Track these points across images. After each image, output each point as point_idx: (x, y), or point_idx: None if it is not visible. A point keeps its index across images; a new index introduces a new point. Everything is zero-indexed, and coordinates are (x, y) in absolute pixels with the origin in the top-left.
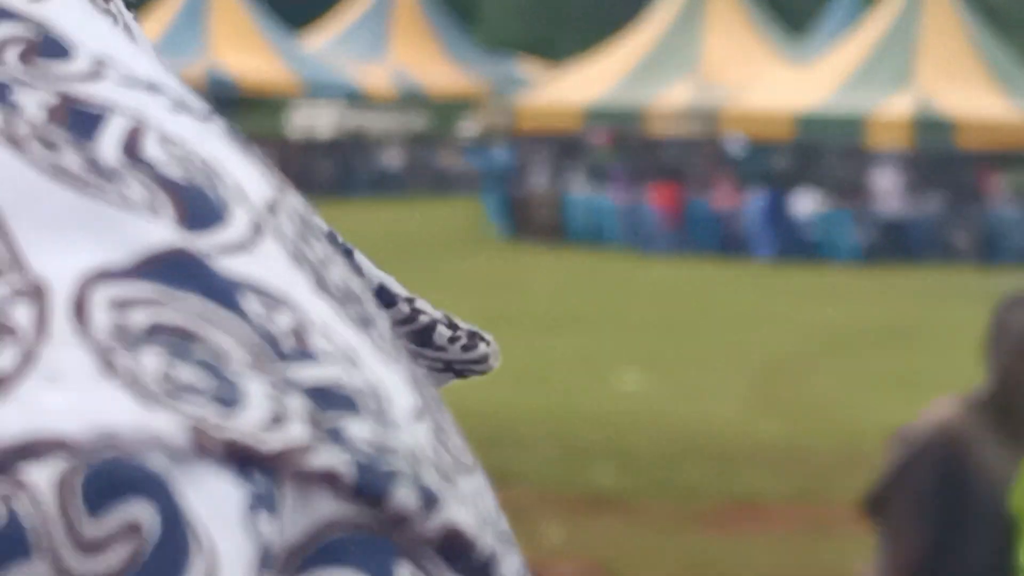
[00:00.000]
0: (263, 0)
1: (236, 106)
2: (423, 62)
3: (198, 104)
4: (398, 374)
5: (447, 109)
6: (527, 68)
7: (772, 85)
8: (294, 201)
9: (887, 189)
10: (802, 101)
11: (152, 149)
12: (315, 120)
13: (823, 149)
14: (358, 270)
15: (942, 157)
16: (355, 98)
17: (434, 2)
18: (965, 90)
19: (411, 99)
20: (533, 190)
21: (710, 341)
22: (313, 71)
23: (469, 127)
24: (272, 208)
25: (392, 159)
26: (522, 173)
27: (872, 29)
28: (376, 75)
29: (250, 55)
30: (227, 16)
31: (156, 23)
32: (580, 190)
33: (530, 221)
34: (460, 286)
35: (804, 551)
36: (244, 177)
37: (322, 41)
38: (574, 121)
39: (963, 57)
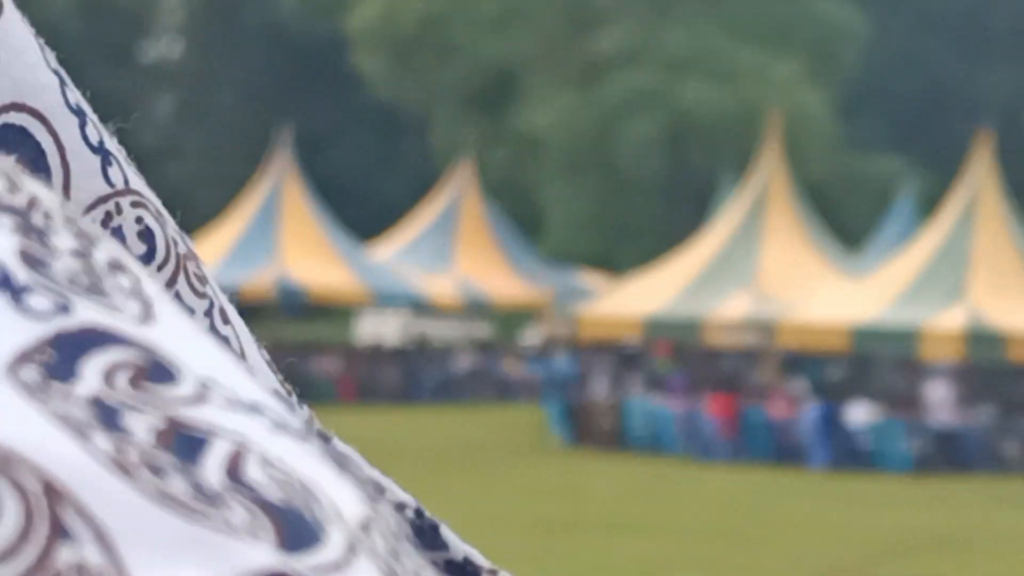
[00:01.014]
0: (332, 213)
1: (305, 314)
2: (487, 273)
3: (296, 423)
4: None
5: (511, 318)
6: (589, 279)
7: (828, 298)
8: (386, 514)
9: (939, 400)
10: (857, 314)
11: (253, 472)
12: (382, 327)
13: (877, 360)
14: (444, 545)
15: (993, 369)
16: (421, 306)
17: (498, 215)
18: (1016, 304)
19: (476, 308)
20: (594, 398)
21: (767, 548)
22: (380, 280)
23: (532, 336)
24: (366, 526)
25: (457, 366)
26: (583, 381)
27: (925, 245)
28: (442, 285)
29: (319, 265)
30: (297, 227)
31: (229, 232)
32: (639, 398)
33: (591, 428)
34: (522, 492)
35: None
36: (340, 496)
37: (389, 252)
38: (634, 331)
39: (1014, 272)
